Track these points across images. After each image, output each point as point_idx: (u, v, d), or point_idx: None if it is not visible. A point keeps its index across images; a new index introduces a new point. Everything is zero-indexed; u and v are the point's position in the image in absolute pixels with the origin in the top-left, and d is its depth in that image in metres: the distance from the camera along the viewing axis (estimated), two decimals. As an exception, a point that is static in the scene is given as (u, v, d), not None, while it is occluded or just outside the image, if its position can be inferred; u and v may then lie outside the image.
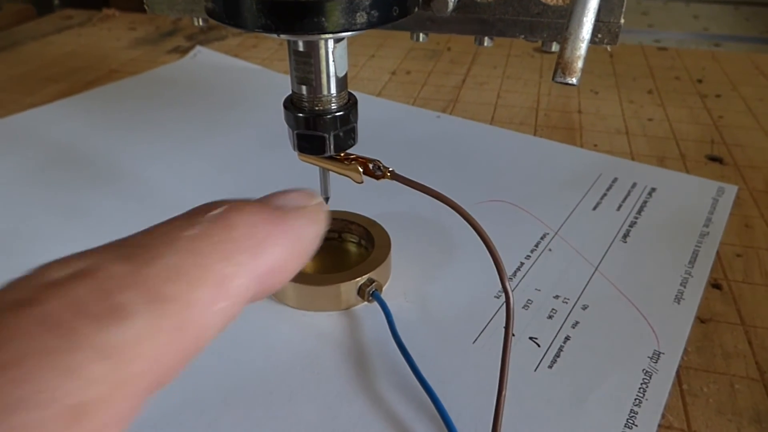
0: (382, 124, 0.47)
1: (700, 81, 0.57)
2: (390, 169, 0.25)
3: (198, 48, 0.63)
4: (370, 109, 0.50)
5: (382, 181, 0.25)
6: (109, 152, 0.43)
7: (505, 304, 0.23)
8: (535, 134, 0.46)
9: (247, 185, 0.38)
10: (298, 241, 0.14)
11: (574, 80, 0.23)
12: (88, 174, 0.40)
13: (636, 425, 0.23)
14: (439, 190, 0.23)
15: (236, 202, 0.13)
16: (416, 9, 0.23)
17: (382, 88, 0.55)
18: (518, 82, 0.56)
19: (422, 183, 0.23)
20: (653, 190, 0.38)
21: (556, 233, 0.34)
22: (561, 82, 0.23)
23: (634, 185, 0.39)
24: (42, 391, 0.09)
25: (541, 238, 0.33)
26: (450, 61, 0.61)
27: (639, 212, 0.36)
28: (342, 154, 0.25)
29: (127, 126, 0.47)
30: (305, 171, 0.27)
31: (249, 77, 0.57)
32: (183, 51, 0.64)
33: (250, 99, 0.52)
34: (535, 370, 0.25)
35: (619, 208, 0.36)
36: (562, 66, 0.23)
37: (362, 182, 0.25)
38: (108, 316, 0.10)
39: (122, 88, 0.54)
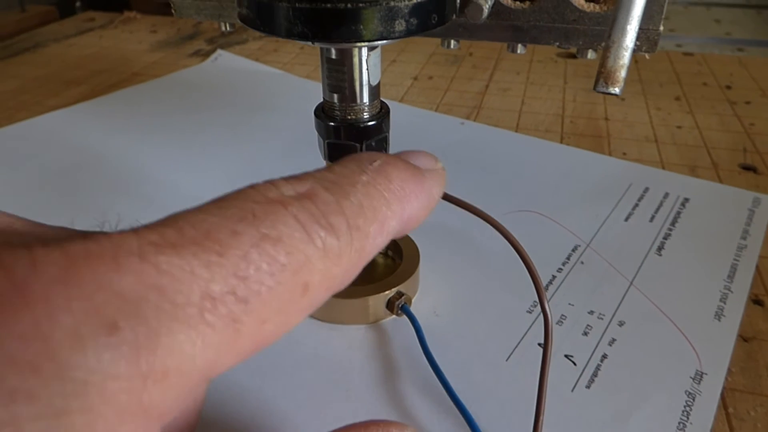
0: (406, 130, 0.46)
1: (728, 87, 0.55)
2: None
3: (219, 51, 0.63)
4: (393, 115, 0.49)
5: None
6: (131, 155, 0.42)
7: (543, 324, 0.22)
8: (561, 142, 0.45)
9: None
10: (429, 197, 0.17)
11: (617, 90, 0.22)
12: (110, 177, 0.40)
13: (679, 450, 0.22)
14: (481, 209, 0.22)
15: (389, 158, 0.17)
16: (454, 16, 0.22)
17: (405, 93, 0.54)
18: (542, 89, 0.55)
19: (468, 202, 0.22)
20: (686, 200, 0.37)
21: (588, 245, 0.33)
22: (603, 92, 0.22)
23: (666, 195, 0.37)
24: (288, 253, 0.13)
25: (573, 251, 0.32)
26: (472, 67, 0.61)
27: (673, 224, 0.35)
28: None
29: (148, 129, 0.46)
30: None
31: (270, 81, 0.56)
32: (204, 54, 0.64)
33: (271, 103, 0.51)
34: (572, 390, 0.24)
35: (652, 219, 0.35)
36: (604, 75, 0.22)
37: None
38: (327, 229, 0.13)
39: (144, 91, 0.54)
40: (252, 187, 0.14)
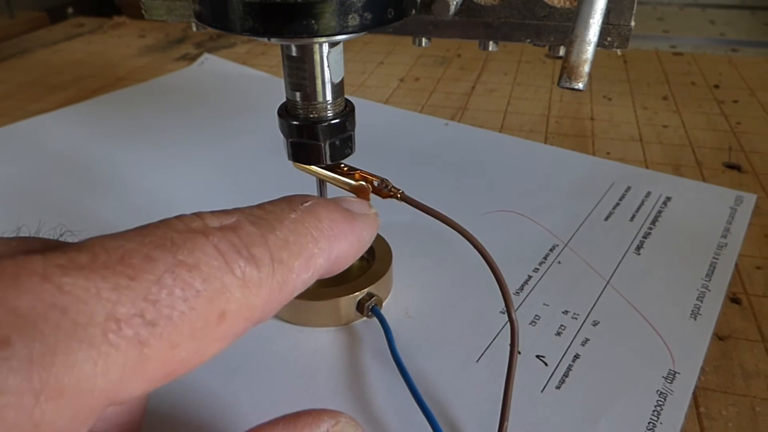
0: (389, 131, 0.46)
1: (716, 86, 0.55)
2: (400, 190, 0.23)
3: (205, 55, 0.63)
4: (377, 116, 0.49)
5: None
6: (112, 159, 0.42)
7: (510, 330, 0.22)
8: (545, 142, 0.45)
9: (254, 193, 0.37)
10: (360, 239, 0.18)
11: (580, 85, 0.21)
12: (90, 181, 0.39)
13: (649, 451, 0.21)
14: (451, 217, 0.22)
15: (321, 200, 0.17)
16: (413, 12, 0.22)
17: (390, 95, 0.54)
18: (529, 89, 0.55)
19: (434, 208, 0.22)
20: (668, 199, 0.37)
21: (566, 245, 0.32)
22: (566, 87, 0.22)
23: (648, 194, 0.37)
24: (204, 280, 0.13)
25: (550, 250, 0.32)
26: (460, 68, 0.60)
27: (653, 222, 0.34)
28: (344, 167, 0.24)
29: (130, 133, 0.46)
30: (312, 180, 0.26)
31: (256, 85, 0.56)
32: (191, 59, 0.63)
33: (257, 106, 0.51)
34: (542, 391, 0.24)
35: (632, 219, 0.35)
36: (567, 70, 0.22)
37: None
38: (248, 259, 0.14)
39: (127, 95, 0.54)
40: (177, 217, 0.14)
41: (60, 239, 0.15)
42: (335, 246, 0.17)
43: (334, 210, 0.17)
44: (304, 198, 0.17)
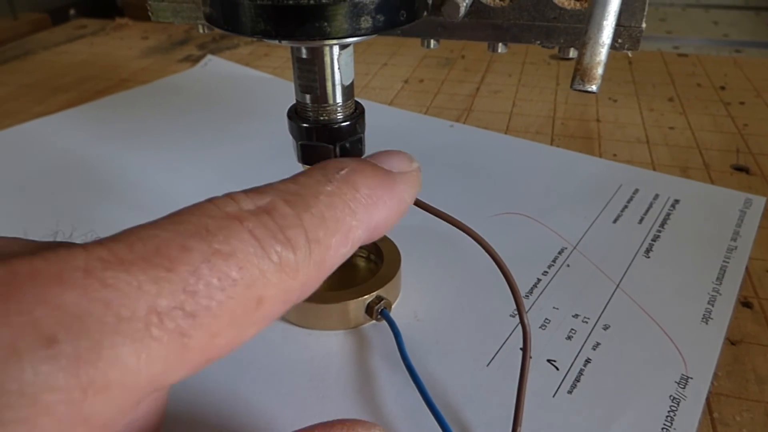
0: (394, 133, 0.46)
1: (722, 88, 0.55)
2: None
3: (209, 57, 0.63)
4: (382, 118, 0.48)
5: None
6: (115, 161, 0.42)
7: (522, 335, 0.22)
8: (551, 144, 0.45)
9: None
10: (400, 202, 0.17)
11: (594, 87, 0.21)
12: (94, 183, 0.39)
13: (663, 457, 0.21)
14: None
15: (357, 165, 0.16)
16: (425, 14, 0.21)
17: (395, 96, 0.54)
18: (534, 90, 0.55)
19: (443, 211, 0.22)
20: (676, 201, 0.36)
21: (574, 248, 0.32)
22: (580, 90, 0.22)
23: (656, 197, 0.37)
24: (241, 268, 0.13)
25: (559, 253, 0.32)
26: (464, 69, 0.60)
27: (662, 225, 0.34)
28: None
29: (133, 135, 0.46)
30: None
31: (260, 86, 0.56)
32: (194, 60, 0.63)
33: (261, 108, 0.51)
34: (554, 396, 0.24)
35: (641, 221, 0.35)
36: (580, 73, 0.21)
37: None
38: (284, 243, 0.14)
39: (130, 97, 0.53)
40: (210, 200, 0.14)
41: None
42: (375, 214, 0.16)
43: (372, 175, 0.17)
44: (339, 165, 0.16)
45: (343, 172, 0.16)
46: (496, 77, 0.58)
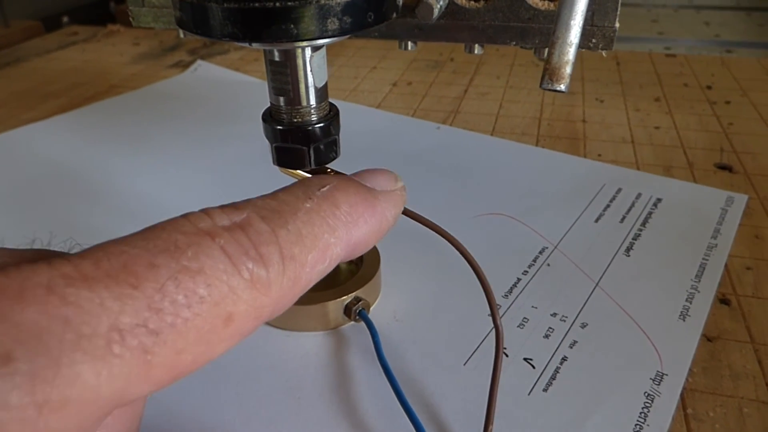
0: (381, 135, 0.46)
1: (709, 87, 0.55)
2: None
3: (198, 62, 0.63)
4: (369, 121, 0.49)
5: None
6: (105, 167, 0.42)
7: (495, 337, 0.22)
8: (537, 144, 0.45)
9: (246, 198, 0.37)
10: (382, 221, 0.17)
11: (562, 87, 0.21)
12: (83, 189, 0.39)
13: (636, 453, 0.21)
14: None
15: (340, 182, 0.17)
16: (395, 15, 0.22)
17: (383, 99, 0.54)
18: (521, 92, 0.55)
19: (420, 214, 0.22)
20: (659, 200, 0.37)
21: (555, 247, 0.32)
22: (549, 89, 0.22)
23: (638, 196, 0.37)
24: (209, 285, 0.13)
25: (540, 253, 0.32)
26: (453, 72, 0.60)
27: (643, 224, 0.34)
28: (330, 171, 0.24)
29: (123, 141, 0.46)
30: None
31: (249, 91, 0.56)
32: (184, 65, 0.64)
33: (250, 113, 0.51)
34: (529, 394, 0.24)
35: (622, 220, 0.35)
36: (549, 72, 0.22)
37: None
38: (256, 260, 0.13)
39: (120, 103, 0.54)
40: (185, 216, 0.14)
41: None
42: (354, 232, 0.16)
43: (354, 192, 0.17)
44: (322, 182, 0.16)
45: (324, 189, 0.16)
46: (485, 79, 0.58)
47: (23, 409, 0.10)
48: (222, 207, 0.15)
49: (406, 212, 0.22)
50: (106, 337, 0.11)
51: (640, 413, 0.23)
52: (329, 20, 0.19)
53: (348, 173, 0.24)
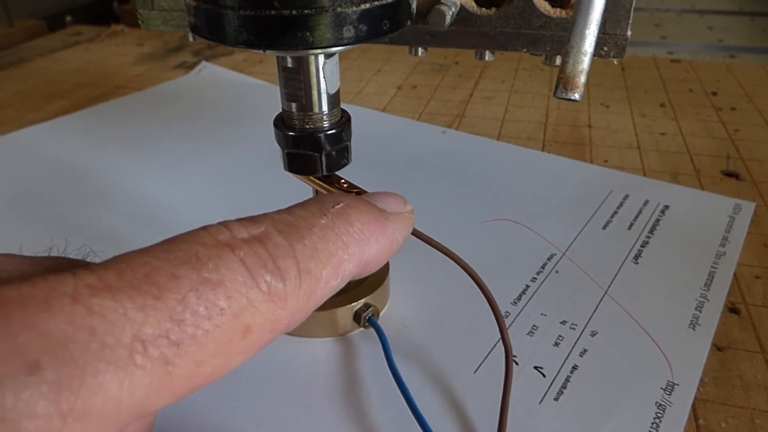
0: (386, 139, 0.46)
1: (714, 93, 0.55)
2: None
3: (203, 63, 0.63)
4: (374, 124, 0.49)
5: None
6: (109, 168, 0.42)
7: (504, 356, 0.22)
8: (543, 150, 0.45)
9: (251, 202, 0.37)
10: (392, 241, 0.18)
11: (576, 96, 0.21)
12: (88, 190, 0.39)
13: (648, 464, 0.21)
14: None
15: (353, 201, 0.17)
16: (409, 22, 0.22)
17: (388, 102, 0.54)
18: (526, 96, 0.55)
19: (429, 236, 0.22)
20: (666, 207, 0.36)
21: (563, 254, 0.32)
22: (562, 98, 0.22)
23: (646, 203, 0.37)
24: (229, 297, 0.13)
25: (548, 259, 0.32)
26: (457, 75, 0.60)
27: (651, 231, 0.34)
28: (343, 183, 0.24)
29: (128, 142, 0.46)
30: (309, 189, 0.25)
31: (254, 93, 0.56)
32: (189, 66, 0.63)
33: (255, 115, 0.51)
34: (540, 403, 0.24)
35: (630, 227, 0.35)
36: (563, 81, 0.22)
37: None
38: (274, 273, 0.14)
39: (124, 104, 0.53)
40: (204, 228, 0.14)
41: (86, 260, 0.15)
42: (366, 250, 0.16)
43: (366, 211, 0.17)
44: (335, 199, 0.17)
45: (338, 207, 0.16)
46: (490, 83, 0.58)
47: (49, 418, 0.11)
48: (240, 220, 0.15)
49: (416, 233, 0.22)
50: (129, 347, 0.11)
51: (652, 423, 0.23)
52: (345, 28, 0.19)
53: (353, 178, 0.24)
